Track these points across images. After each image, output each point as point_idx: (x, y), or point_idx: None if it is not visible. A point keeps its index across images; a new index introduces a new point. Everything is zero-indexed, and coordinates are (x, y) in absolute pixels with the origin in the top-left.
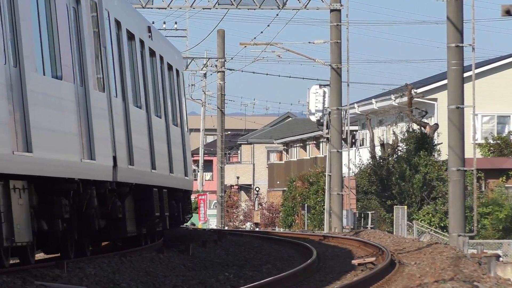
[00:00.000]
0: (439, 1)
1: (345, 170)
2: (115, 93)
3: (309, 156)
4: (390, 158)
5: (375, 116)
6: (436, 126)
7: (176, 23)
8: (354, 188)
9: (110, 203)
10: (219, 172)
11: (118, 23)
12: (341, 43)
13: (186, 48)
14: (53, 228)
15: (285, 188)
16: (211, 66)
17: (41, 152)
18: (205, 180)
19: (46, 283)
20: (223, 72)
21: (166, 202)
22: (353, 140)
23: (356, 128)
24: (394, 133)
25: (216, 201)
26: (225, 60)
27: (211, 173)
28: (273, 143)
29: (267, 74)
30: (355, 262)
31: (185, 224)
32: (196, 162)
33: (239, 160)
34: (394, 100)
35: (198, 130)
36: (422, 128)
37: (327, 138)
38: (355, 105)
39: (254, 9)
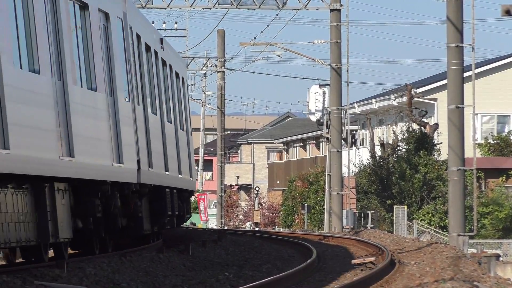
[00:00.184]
0: (439, 1)
1: (345, 169)
2: (137, 101)
3: (309, 155)
4: (390, 158)
5: (375, 116)
6: (436, 126)
7: (176, 23)
8: (354, 187)
9: (132, 203)
10: (219, 171)
11: (138, 37)
12: (341, 43)
13: (186, 48)
14: (86, 226)
15: (285, 188)
16: (211, 66)
17: (81, 157)
18: (205, 179)
19: (46, 283)
20: (223, 72)
21: (176, 202)
22: (353, 140)
23: (356, 128)
24: (394, 133)
25: (216, 201)
26: (225, 60)
27: (211, 172)
28: (273, 143)
29: (267, 74)
30: (355, 261)
31: (184, 223)
32: (196, 161)
33: (239, 160)
34: (394, 100)
35: (198, 130)
36: (422, 128)
37: (327, 138)
38: (355, 105)
39: (254, 9)
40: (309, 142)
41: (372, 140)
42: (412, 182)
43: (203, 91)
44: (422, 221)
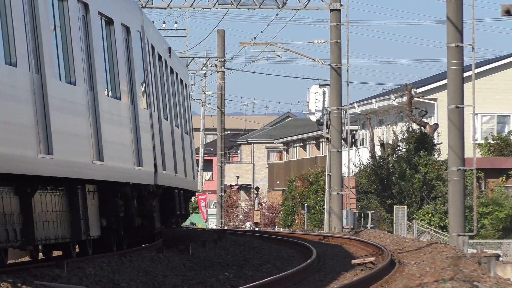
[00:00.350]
0: (439, 1)
1: (345, 169)
2: (153, 108)
3: (309, 156)
4: (390, 158)
5: (375, 116)
6: (436, 125)
7: (176, 23)
8: (354, 187)
9: (148, 204)
10: (219, 171)
11: (153, 48)
12: (341, 43)
13: (186, 48)
14: (110, 225)
15: (285, 188)
16: (211, 66)
17: (109, 161)
18: (205, 179)
19: (46, 282)
20: (223, 72)
21: (182, 202)
22: (353, 140)
23: (356, 128)
24: (394, 132)
25: (216, 201)
26: (225, 60)
27: (211, 172)
28: (273, 143)
29: (267, 74)
30: (355, 261)
31: (184, 223)
32: (196, 161)
33: (239, 160)
34: (394, 100)
35: (198, 130)
36: (422, 128)
37: (327, 138)
38: (355, 105)
39: (254, 9)
40: (309, 142)
41: (372, 140)
42: (412, 182)
43: (203, 91)
44: (422, 221)
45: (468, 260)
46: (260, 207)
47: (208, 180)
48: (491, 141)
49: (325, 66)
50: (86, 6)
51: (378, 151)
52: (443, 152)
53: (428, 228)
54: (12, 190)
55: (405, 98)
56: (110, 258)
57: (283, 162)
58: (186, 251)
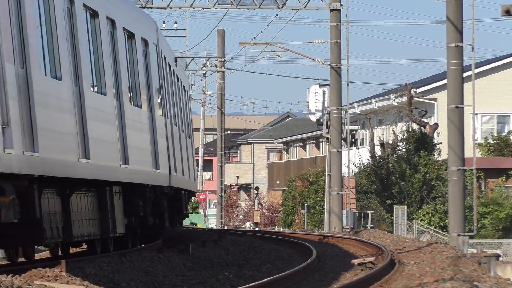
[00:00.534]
0: (438, 1)
1: (344, 169)
2: (167, 115)
3: (309, 155)
4: (390, 158)
5: (375, 115)
6: (436, 125)
7: (176, 23)
8: (353, 187)
9: (161, 204)
10: (219, 171)
11: (165, 59)
12: (341, 43)
13: (186, 48)
14: (131, 224)
15: (285, 188)
16: (211, 66)
17: (133, 165)
18: (205, 179)
19: (46, 283)
20: (223, 71)
21: (187, 202)
22: (353, 140)
23: (356, 127)
24: (394, 132)
25: (216, 201)
26: (224, 60)
27: (210, 172)
28: (273, 142)
29: (266, 74)
30: (355, 261)
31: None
32: (196, 161)
33: (239, 160)
34: (394, 100)
35: (198, 129)
36: (422, 127)
37: (327, 138)
38: (355, 105)
39: (254, 9)
40: (309, 142)
41: (372, 140)
42: (412, 182)
43: (203, 91)
44: (422, 221)
45: (468, 260)
46: (260, 207)
47: (208, 180)
48: (491, 141)
49: (325, 66)
50: (113, 23)
51: (378, 151)
52: (443, 152)
53: (428, 228)
54: (55, 192)
55: (405, 98)
56: (110, 258)
57: (283, 162)
58: (186, 251)
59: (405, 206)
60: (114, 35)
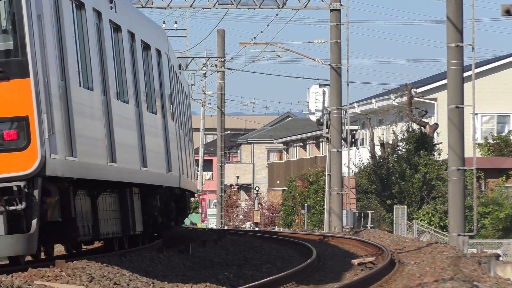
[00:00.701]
0: (438, 1)
1: (345, 169)
2: (176, 120)
3: (309, 155)
4: (390, 158)
5: (375, 115)
6: (436, 125)
7: (176, 22)
8: (354, 187)
9: (170, 204)
10: (219, 171)
11: (173, 67)
12: (341, 43)
13: (186, 48)
14: (146, 223)
15: (285, 188)
16: (211, 66)
17: (151, 168)
18: (205, 179)
19: (46, 282)
20: (223, 71)
21: (189, 202)
22: (353, 140)
23: (356, 127)
24: (394, 132)
25: (216, 201)
26: (225, 60)
27: (211, 172)
28: (273, 142)
29: (267, 74)
30: (355, 261)
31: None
32: (196, 161)
33: (239, 160)
34: (394, 100)
35: (198, 129)
36: (422, 127)
37: (327, 138)
38: (355, 105)
39: (254, 8)
40: (309, 142)
41: (372, 140)
42: (412, 182)
43: (203, 91)
44: (422, 221)
45: (468, 260)
46: (260, 207)
47: (208, 180)
48: (491, 141)
49: (325, 66)
50: (132, 36)
51: (378, 151)
52: (443, 152)
53: (428, 228)
54: (86, 193)
55: (405, 98)
56: (110, 258)
57: (283, 162)
58: (186, 251)
59: (405, 206)
60: (133, 47)
